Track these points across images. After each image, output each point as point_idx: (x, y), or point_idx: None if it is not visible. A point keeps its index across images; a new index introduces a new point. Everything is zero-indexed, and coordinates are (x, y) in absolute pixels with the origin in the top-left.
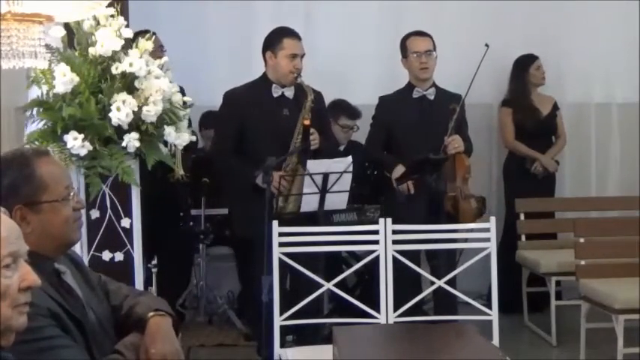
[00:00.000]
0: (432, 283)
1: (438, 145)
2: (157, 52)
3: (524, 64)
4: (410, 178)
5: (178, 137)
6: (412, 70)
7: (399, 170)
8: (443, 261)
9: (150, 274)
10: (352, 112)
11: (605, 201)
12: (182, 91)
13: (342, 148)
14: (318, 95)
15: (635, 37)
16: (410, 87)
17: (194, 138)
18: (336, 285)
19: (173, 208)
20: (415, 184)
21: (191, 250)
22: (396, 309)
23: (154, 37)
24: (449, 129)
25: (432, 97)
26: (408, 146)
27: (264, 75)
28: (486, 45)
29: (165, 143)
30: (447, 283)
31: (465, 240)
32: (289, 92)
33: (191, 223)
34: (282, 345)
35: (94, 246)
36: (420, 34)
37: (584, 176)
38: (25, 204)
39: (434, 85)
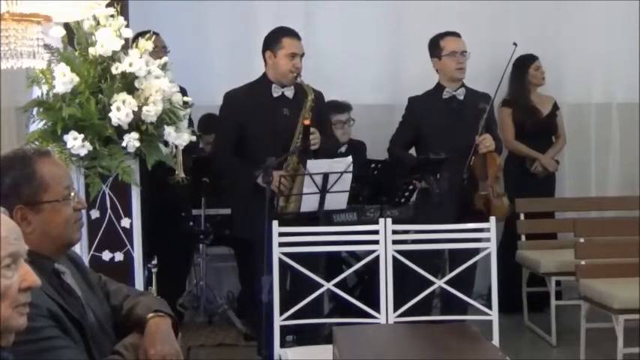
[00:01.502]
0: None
1: (468, 145)
2: (160, 52)
3: (524, 65)
4: (412, 177)
5: (178, 137)
6: (447, 70)
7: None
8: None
9: (150, 274)
10: (340, 107)
11: (605, 201)
12: (184, 92)
13: (343, 149)
14: (319, 95)
15: (635, 37)
16: (439, 87)
17: (194, 138)
18: (336, 285)
19: (174, 209)
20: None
21: (191, 250)
22: (399, 309)
23: (154, 37)
24: (479, 128)
25: (461, 98)
26: (439, 147)
27: (264, 75)
28: (514, 44)
29: (166, 143)
30: (462, 284)
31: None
32: (289, 92)
33: (191, 223)
34: (282, 345)
35: (94, 246)
36: (454, 34)
37: (584, 176)
38: (25, 204)
39: (463, 85)
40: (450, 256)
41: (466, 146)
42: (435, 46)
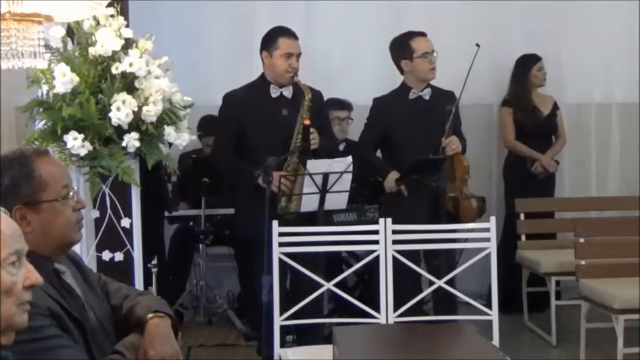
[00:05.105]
0: (432, 282)
1: (435, 146)
2: None
3: (527, 65)
4: (410, 178)
5: (178, 137)
6: (419, 71)
7: (393, 176)
8: (443, 261)
9: (150, 274)
10: (341, 104)
11: (605, 201)
12: None
13: (341, 147)
14: (318, 94)
15: (635, 37)
16: (405, 88)
17: (194, 137)
18: (336, 285)
19: (159, 207)
20: (413, 185)
21: (191, 250)
22: (395, 309)
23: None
24: (446, 130)
25: (427, 98)
26: (406, 147)
27: (263, 75)
28: (477, 45)
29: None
30: (446, 283)
31: (465, 240)
32: (288, 92)
33: (191, 223)
34: (282, 345)
35: (93, 246)
36: (423, 34)
37: (584, 176)
38: (24, 203)
39: (429, 85)
40: (428, 255)
41: (433, 147)
42: (404, 48)
